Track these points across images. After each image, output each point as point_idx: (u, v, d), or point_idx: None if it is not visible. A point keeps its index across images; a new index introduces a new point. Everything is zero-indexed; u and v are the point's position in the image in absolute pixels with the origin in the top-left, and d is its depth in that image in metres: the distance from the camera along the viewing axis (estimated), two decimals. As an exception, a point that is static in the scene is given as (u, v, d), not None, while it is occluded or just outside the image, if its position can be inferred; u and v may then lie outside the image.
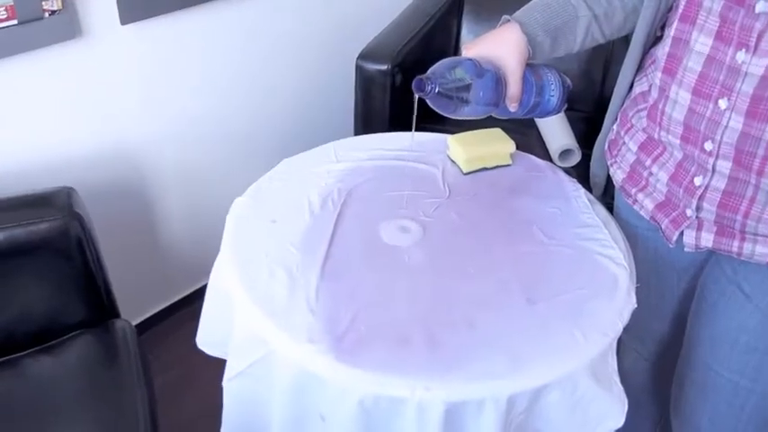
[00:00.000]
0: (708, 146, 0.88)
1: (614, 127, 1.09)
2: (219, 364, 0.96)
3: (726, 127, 0.85)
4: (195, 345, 1.05)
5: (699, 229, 0.95)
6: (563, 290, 0.91)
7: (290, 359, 0.81)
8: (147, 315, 1.82)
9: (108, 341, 1.23)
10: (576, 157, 1.69)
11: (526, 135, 1.75)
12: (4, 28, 1.22)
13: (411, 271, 0.94)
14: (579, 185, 1.13)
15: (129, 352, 1.20)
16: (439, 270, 0.95)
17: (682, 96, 0.89)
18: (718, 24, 0.84)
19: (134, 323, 1.40)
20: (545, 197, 1.09)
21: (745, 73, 0.82)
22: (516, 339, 0.84)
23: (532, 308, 0.88)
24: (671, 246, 0.99)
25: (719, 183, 0.90)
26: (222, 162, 1.79)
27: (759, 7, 0.80)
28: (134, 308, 1.75)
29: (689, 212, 0.95)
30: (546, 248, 0.99)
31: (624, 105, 1.06)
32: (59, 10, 1.28)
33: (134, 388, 1.13)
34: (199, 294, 1.16)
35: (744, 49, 0.82)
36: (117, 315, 1.29)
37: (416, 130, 1.05)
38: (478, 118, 0.99)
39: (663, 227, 0.99)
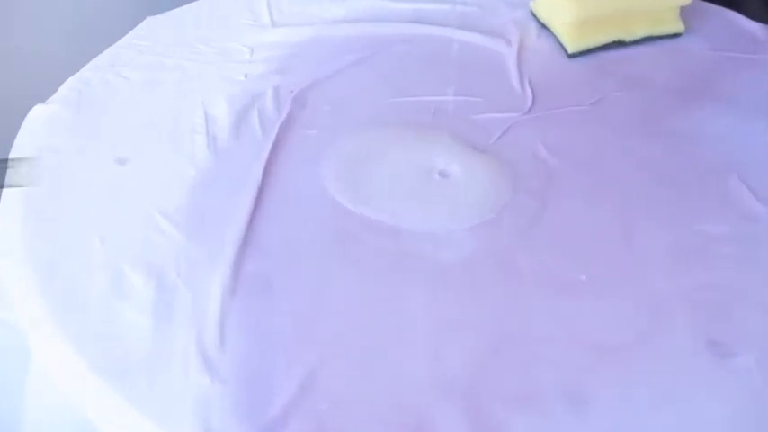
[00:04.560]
0: None
1: None
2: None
3: None
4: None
5: None
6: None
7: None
8: None
9: None
10: None
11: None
12: None
13: (439, 275, 0.60)
14: None
15: None
16: (506, 274, 0.60)
17: None
18: None
19: None
20: (763, 111, 0.74)
21: None
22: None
23: (724, 363, 0.55)
24: None
25: None
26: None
27: None
28: None
29: None
30: (757, 229, 0.65)
31: None
32: None
33: None
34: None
35: None
36: None
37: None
38: None
39: None
